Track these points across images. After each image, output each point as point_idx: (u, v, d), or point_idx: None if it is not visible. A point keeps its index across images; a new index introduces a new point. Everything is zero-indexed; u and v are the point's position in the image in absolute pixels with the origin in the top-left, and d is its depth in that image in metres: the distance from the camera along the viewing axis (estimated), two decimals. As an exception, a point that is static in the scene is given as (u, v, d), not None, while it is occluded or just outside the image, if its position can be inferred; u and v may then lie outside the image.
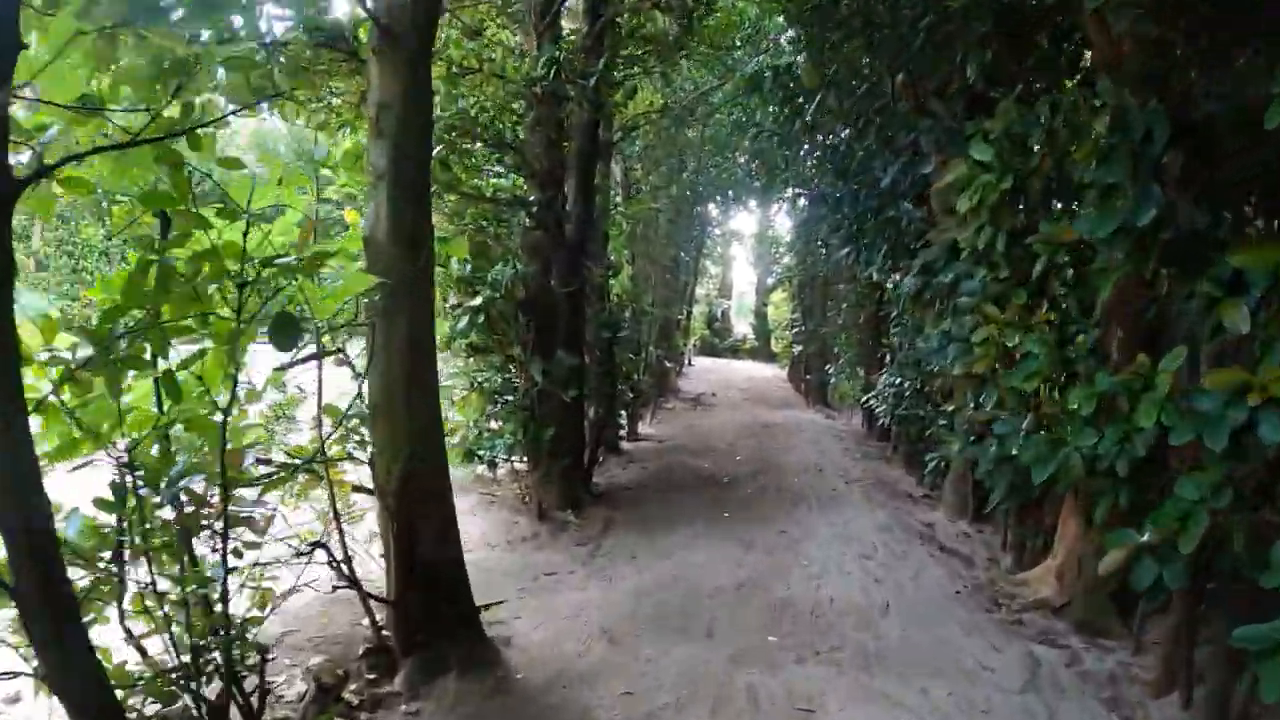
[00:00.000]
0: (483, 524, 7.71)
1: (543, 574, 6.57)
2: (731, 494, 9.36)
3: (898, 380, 9.86)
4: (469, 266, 7.47)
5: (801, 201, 15.86)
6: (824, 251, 17.42)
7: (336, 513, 4.45)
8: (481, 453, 7.68)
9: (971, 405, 7.43)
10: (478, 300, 7.17)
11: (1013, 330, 5.78)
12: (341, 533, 4.46)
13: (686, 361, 30.73)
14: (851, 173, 11.07)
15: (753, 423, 15.43)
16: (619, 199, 12.97)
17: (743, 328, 40.97)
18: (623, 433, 13.03)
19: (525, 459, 7.96)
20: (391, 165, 4.71)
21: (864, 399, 12.56)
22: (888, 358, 10.77)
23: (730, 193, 18.48)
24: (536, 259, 8.01)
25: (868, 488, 9.85)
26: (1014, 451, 5.45)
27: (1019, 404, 5.51)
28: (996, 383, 5.91)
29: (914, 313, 9.37)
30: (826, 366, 17.17)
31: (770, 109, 11.41)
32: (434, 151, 7.08)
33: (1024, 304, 5.82)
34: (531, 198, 7.72)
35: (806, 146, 12.14)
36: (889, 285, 9.98)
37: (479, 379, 7.76)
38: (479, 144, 7.45)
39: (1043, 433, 5.22)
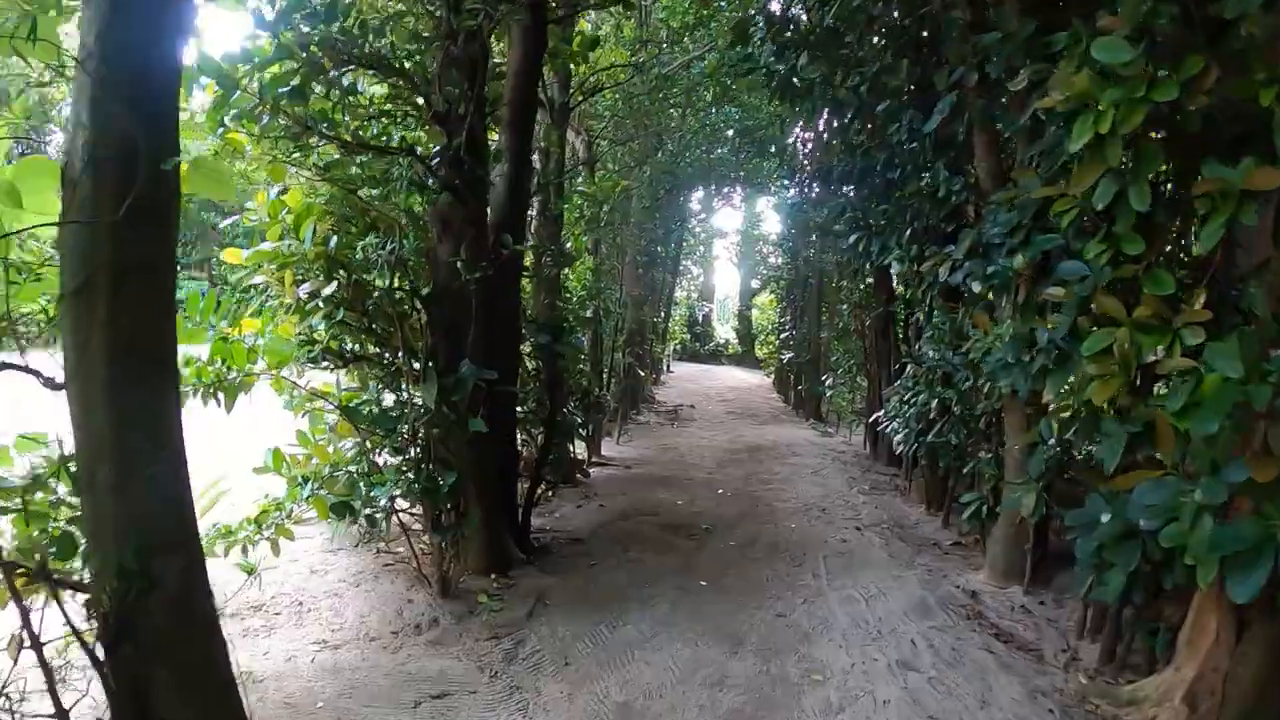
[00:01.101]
0: (363, 603, 5.53)
1: (429, 695, 4.40)
2: (711, 549, 7.22)
3: (923, 398, 7.76)
4: (334, 242, 5.30)
5: (793, 191, 13.75)
6: (818, 244, 15.38)
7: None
8: (358, 505, 5.48)
9: (1052, 443, 5.36)
10: (330, 287, 5.00)
11: (1153, 336, 3.69)
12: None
13: (665, 368, 28.73)
14: (861, 147, 9.03)
15: (738, 442, 13.32)
16: (580, 176, 10.83)
17: (725, 332, 38.94)
18: (583, 457, 10.89)
19: (425, 512, 5.77)
20: (100, 41, 2.60)
21: (872, 417, 10.48)
22: (907, 369, 8.68)
23: (713, 181, 16.32)
24: (448, 237, 5.84)
25: (886, 535, 7.74)
26: (1166, 530, 3.38)
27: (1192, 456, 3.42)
28: (1128, 417, 3.81)
29: (956, 312, 7.32)
30: (824, 378, 15.09)
31: (762, 69, 9.27)
32: (286, 73, 4.95)
33: (1170, 295, 3.74)
34: (435, 149, 5.56)
35: (808, 113, 10.04)
36: (913, 279, 7.89)
37: (354, 400, 5.56)
38: (359, 69, 5.27)
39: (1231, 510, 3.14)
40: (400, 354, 5.40)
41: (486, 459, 6.08)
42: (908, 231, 7.74)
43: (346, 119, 5.29)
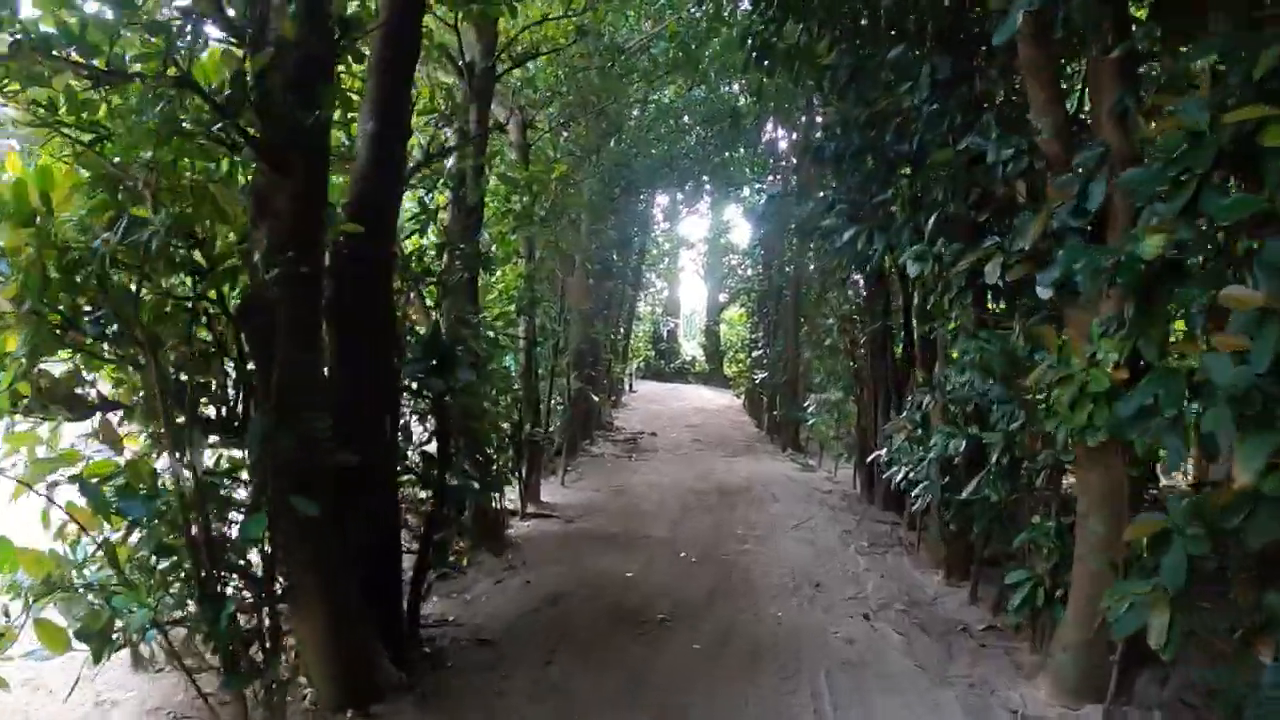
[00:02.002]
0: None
1: None
2: (670, 653, 5.27)
3: (949, 442, 5.91)
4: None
5: (770, 180, 11.93)
6: (796, 248, 13.58)
7: None
8: (118, 637, 3.47)
9: (1196, 534, 3.50)
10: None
11: None
12: None
13: (628, 387, 26.82)
14: (861, 118, 7.24)
15: (706, 481, 11.40)
16: (509, 160, 8.91)
17: (692, 349, 37.14)
18: (514, 507, 8.92)
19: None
20: None
21: (870, 458, 8.61)
22: (921, 400, 6.84)
23: (676, 177, 14.41)
24: (265, 220, 3.85)
25: (903, 624, 5.86)
26: None
27: None
28: None
29: (999, 326, 5.50)
30: (805, 403, 13.21)
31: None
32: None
33: None
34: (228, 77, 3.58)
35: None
36: (935, 284, 6.05)
37: (107, 470, 3.55)
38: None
39: None
40: (161, 396, 3.37)
41: (327, 550, 4.07)
42: (930, 221, 5.89)
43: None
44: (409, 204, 6.87)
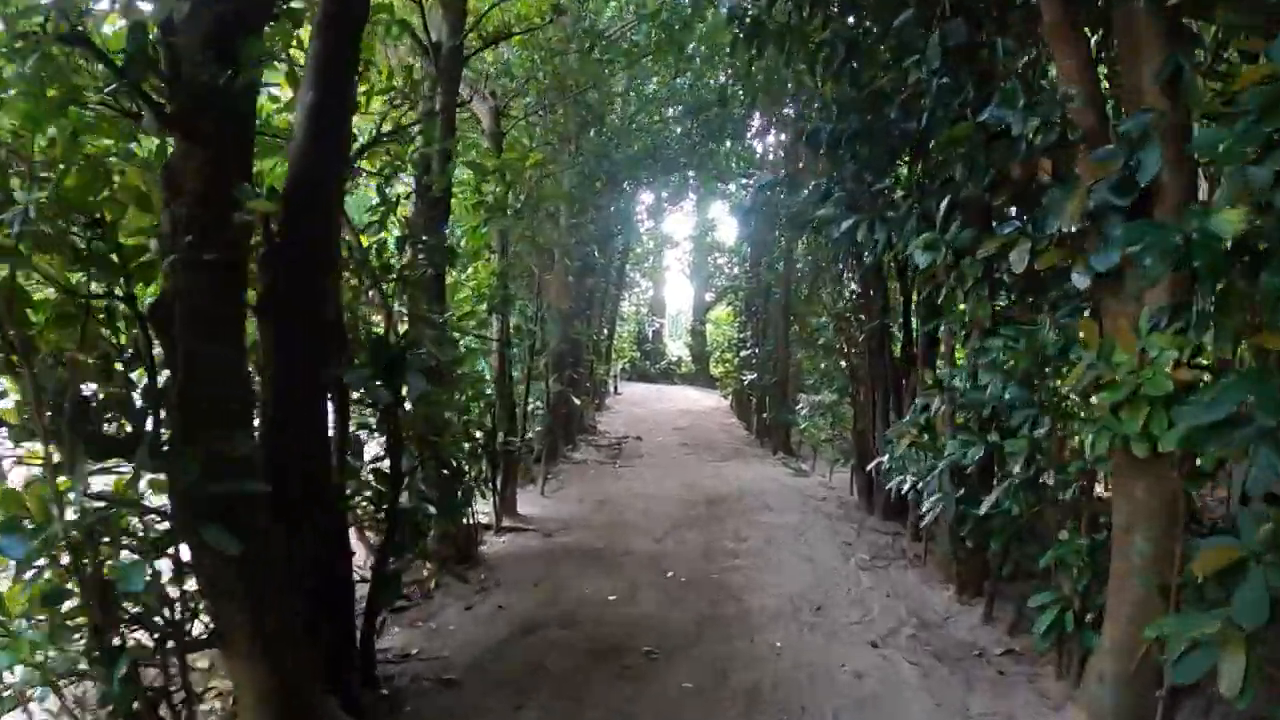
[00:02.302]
0: None
1: None
2: (656, 695, 4.69)
3: (967, 450, 5.38)
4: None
5: (758, 174, 11.40)
6: (785, 243, 13.05)
7: None
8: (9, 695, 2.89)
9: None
10: None
11: None
12: None
13: (612, 389, 26.24)
14: (862, 97, 6.72)
15: (694, 490, 10.83)
16: (481, 147, 8.33)
17: (678, 349, 36.59)
18: (489, 522, 8.34)
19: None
20: None
21: (871, 465, 8.07)
22: (930, 405, 6.32)
23: (659, 168, 13.79)
24: (178, 202, 3.25)
25: (917, 653, 5.32)
26: None
27: None
28: None
29: (1022, 321, 4.98)
30: (797, 405, 12.67)
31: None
32: None
33: None
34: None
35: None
36: (947, 276, 5.52)
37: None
38: None
39: None
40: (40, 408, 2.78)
41: (260, 585, 3.47)
42: (941, 206, 5.36)
43: None
44: (367, 195, 6.31)
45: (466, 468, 7.77)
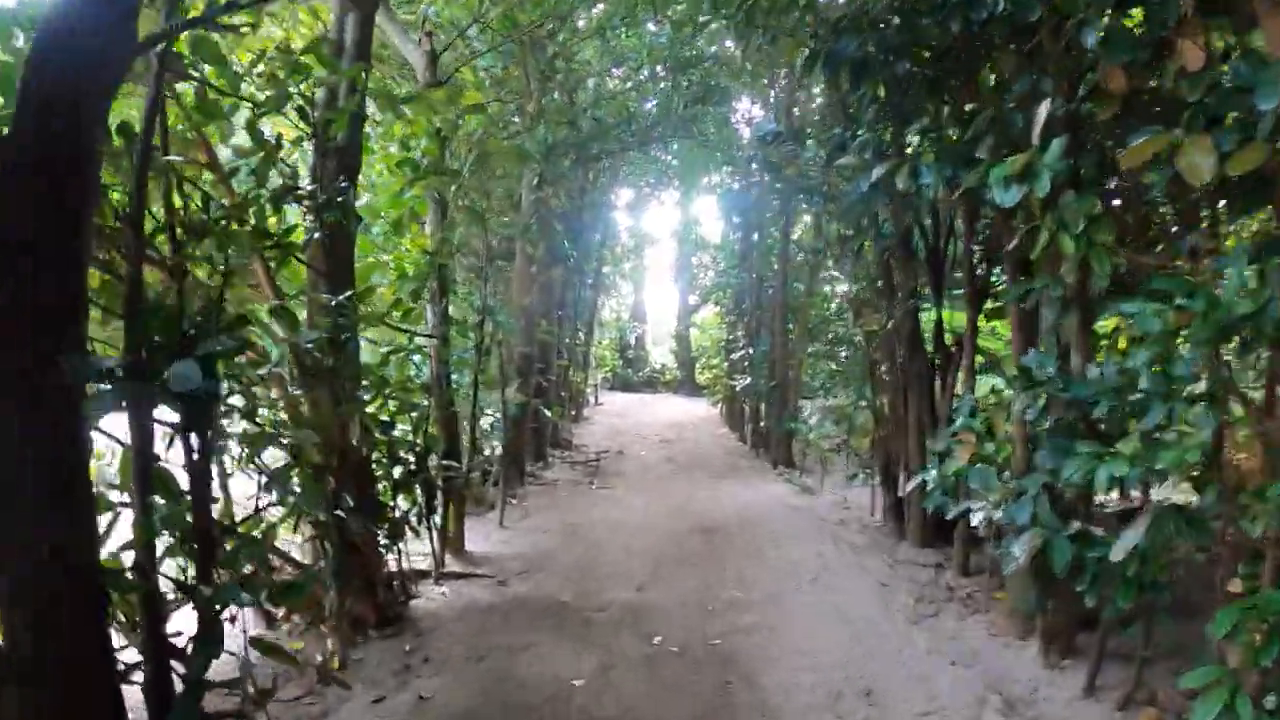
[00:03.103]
0: None
1: None
2: None
3: (1090, 467, 3.71)
4: None
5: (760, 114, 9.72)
6: (783, 222, 11.40)
7: None
8: None
9: None
10: None
11: None
12: None
13: (592, 399, 24.55)
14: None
15: (684, 515, 9.11)
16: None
17: (662, 355, 34.92)
18: (427, 566, 6.63)
19: None
20: None
21: (910, 485, 6.36)
22: (991, 404, 4.67)
23: (634, 140, 11.98)
24: None
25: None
26: None
27: None
28: None
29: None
30: (805, 414, 10.98)
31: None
32: None
33: None
34: None
35: None
36: (1045, 214, 3.85)
37: None
38: None
39: None
40: None
41: None
42: (1041, 114, 3.71)
43: None
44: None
45: (395, 501, 6.12)
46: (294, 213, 5.37)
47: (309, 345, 4.68)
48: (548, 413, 11.79)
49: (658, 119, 10.79)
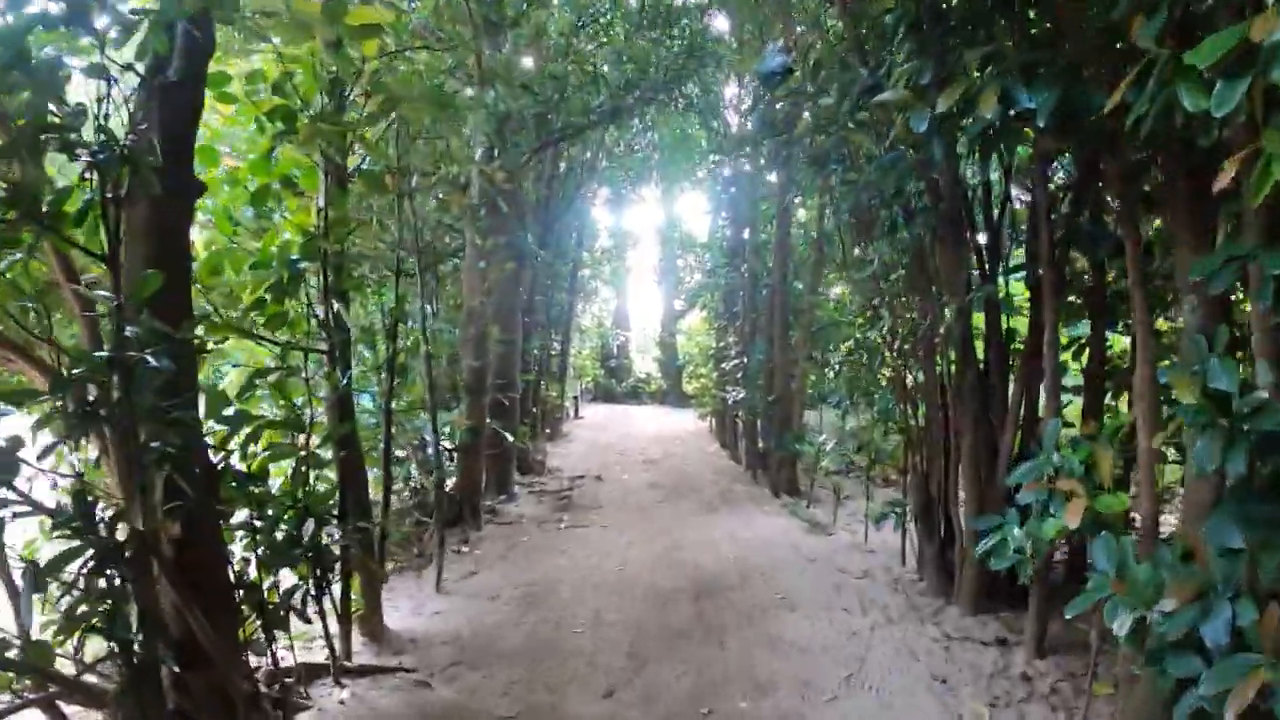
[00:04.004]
0: None
1: None
2: None
3: None
4: None
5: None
6: (786, 204, 9.76)
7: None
8: None
9: None
10: None
11: None
12: None
13: (571, 413, 22.89)
14: None
15: (671, 571, 7.38)
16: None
17: (646, 364, 33.28)
18: (325, 657, 4.92)
19: None
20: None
21: (983, 547, 4.67)
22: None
23: (610, 112, 10.18)
24: None
25: None
26: None
27: None
28: None
29: None
30: (820, 438, 9.27)
31: None
32: None
33: None
34: None
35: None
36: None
37: None
38: None
39: None
40: None
41: None
42: None
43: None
44: None
45: (273, 578, 4.45)
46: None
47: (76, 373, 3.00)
48: (509, 436, 10.07)
49: (633, 82, 9.08)
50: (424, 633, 5.89)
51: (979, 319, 5.93)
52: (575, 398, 24.63)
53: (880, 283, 6.28)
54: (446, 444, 7.95)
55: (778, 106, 6.46)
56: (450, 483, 9.07)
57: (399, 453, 7.96)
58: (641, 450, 16.40)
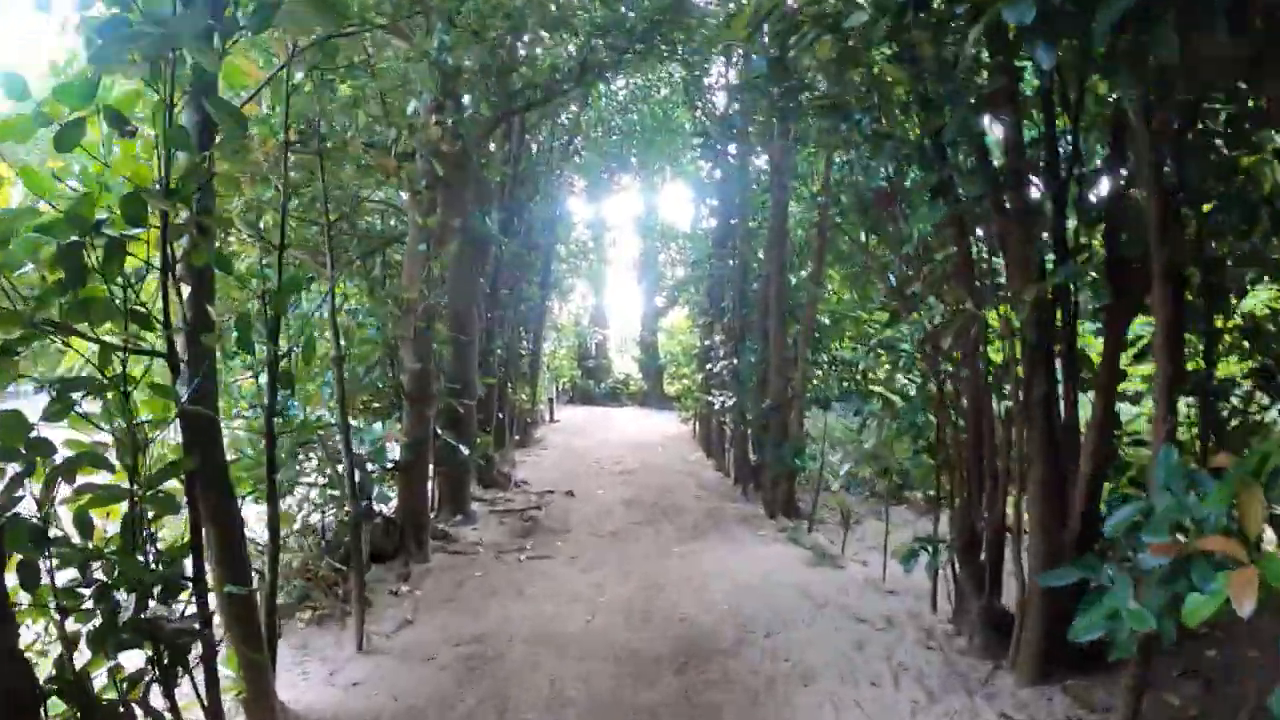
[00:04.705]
0: None
1: None
2: None
3: None
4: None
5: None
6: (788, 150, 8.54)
7: None
8: None
9: None
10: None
11: None
12: None
13: (546, 417, 21.62)
14: None
15: (650, 626, 6.01)
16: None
17: (625, 364, 32.02)
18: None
19: None
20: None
21: (1086, 633, 3.44)
22: None
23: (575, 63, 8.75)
24: None
25: None
26: None
27: None
28: None
29: None
30: (838, 459, 7.99)
31: None
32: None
33: None
34: None
35: None
36: None
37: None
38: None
39: None
40: None
41: None
42: None
43: None
44: None
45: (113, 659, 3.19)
46: None
47: None
48: (464, 450, 8.74)
49: (603, 25, 7.72)
50: (333, 710, 4.60)
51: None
52: (550, 400, 23.35)
53: (913, 268, 5.03)
54: (373, 464, 6.63)
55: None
56: (391, 506, 7.76)
57: (322, 478, 6.64)
58: (619, 459, 15.10)
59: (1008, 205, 4.16)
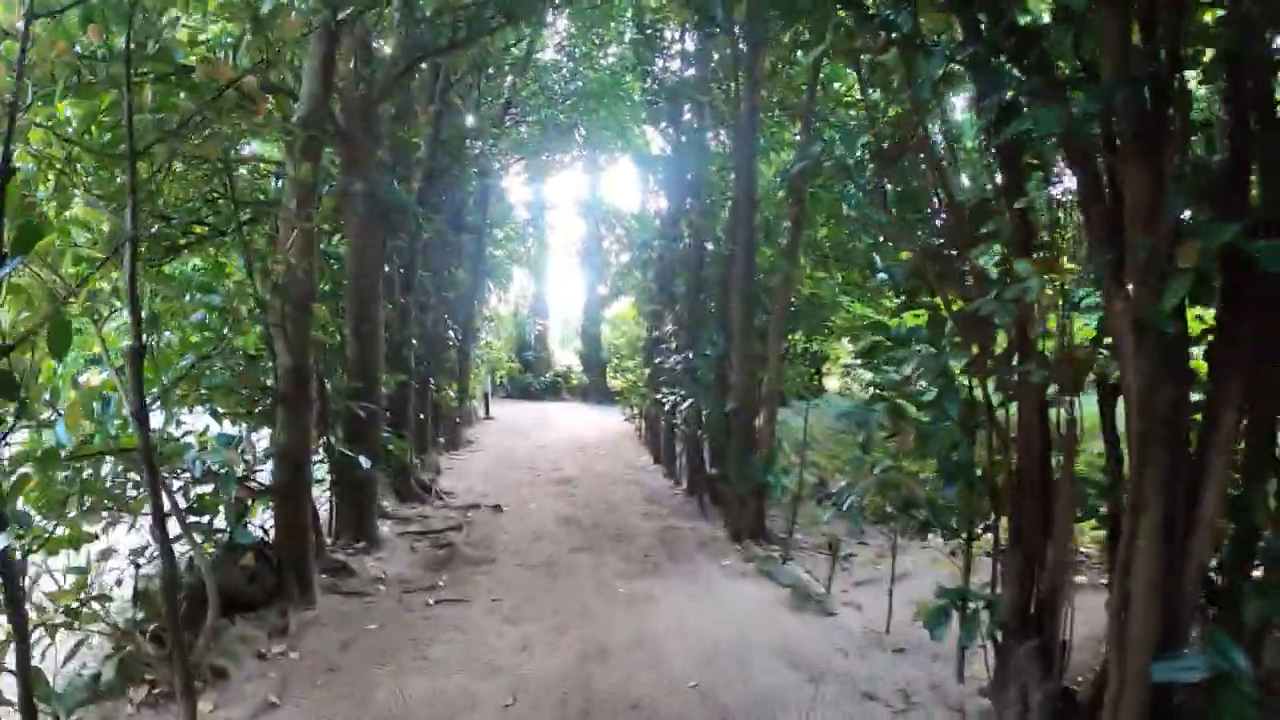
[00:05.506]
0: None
1: None
2: None
3: None
4: None
5: None
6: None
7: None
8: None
9: None
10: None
11: None
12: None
13: (480, 413, 20.08)
14: None
15: (585, 704, 4.66)
16: None
17: (566, 357, 30.53)
18: None
19: None
20: None
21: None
22: None
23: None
24: None
25: None
26: None
27: None
28: None
29: None
30: (838, 487, 6.53)
31: None
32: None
33: None
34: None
35: None
36: None
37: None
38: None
39: None
40: None
41: None
42: None
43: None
44: None
45: None
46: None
47: None
48: (366, 463, 7.17)
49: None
50: None
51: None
52: (486, 395, 21.74)
53: (969, 223, 3.64)
54: (219, 487, 5.05)
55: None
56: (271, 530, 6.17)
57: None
58: (556, 464, 13.59)
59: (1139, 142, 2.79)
